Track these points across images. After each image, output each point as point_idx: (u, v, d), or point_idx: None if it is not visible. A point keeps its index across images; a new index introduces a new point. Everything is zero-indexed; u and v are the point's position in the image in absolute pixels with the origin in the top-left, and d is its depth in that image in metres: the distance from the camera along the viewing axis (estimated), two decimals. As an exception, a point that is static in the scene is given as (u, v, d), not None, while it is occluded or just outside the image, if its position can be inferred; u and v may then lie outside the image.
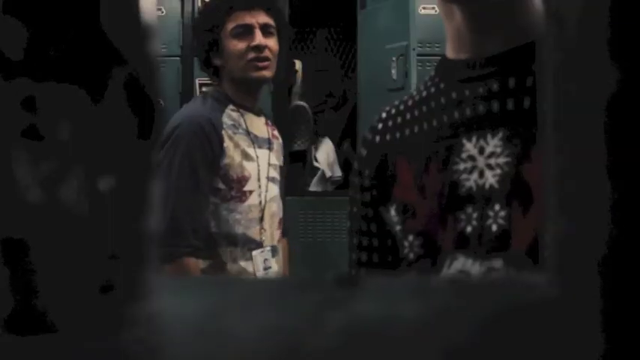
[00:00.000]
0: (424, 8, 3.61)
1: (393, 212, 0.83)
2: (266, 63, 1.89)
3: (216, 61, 1.93)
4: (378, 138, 0.87)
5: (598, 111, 0.22)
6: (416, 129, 0.82)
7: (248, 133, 1.89)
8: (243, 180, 1.84)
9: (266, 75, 1.90)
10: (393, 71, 3.53)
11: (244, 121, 1.89)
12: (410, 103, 0.86)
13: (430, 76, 0.86)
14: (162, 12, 3.83)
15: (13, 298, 0.22)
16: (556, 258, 0.24)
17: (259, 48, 1.87)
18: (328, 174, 4.25)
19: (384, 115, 0.89)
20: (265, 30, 1.90)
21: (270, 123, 2.06)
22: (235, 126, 1.87)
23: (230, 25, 1.89)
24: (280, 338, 0.23)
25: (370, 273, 0.85)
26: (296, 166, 4.10)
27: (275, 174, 1.96)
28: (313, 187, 4.24)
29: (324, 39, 4.96)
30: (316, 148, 4.36)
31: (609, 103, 0.21)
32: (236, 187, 1.83)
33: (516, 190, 0.70)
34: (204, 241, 1.80)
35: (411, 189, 0.80)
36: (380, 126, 0.88)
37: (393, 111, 0.88)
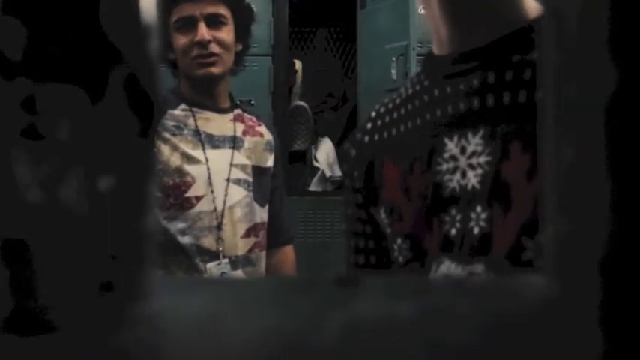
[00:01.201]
0: (424, 8, 3.60)
1: (382, 214, 0.81)
2: (213, 59, 1.69)
3: (171, 56, 1.75)
4: (367, 138, 0.85)
5: (598, 111, 0.22)
6: (402, 128, 0.80)
7: (197, 133, 1.70)
8: (183, 186, 1.65)
9: (213, 71, 1.70)
10: (393, 71, 3.53)
11: (194, 120, 1.71)
12: (398, 101, 0.83)
13: (417, 73, 0.84)
14: (162, 12, 3.83)
15: (13, 298, 0.22)
16: (556, 258, 0.24)
17: (202, 44, 1.67)
18: (328, 174, 4.25)
19: (373, 114, 0.87)
20: (213, 21, 1.68)
21: (251, 119, 1.84)
22: (179, 127, 1.69)
23: (173, 18, 1.69)
24: (280, 338, 0.23)
25: (368, 274, 0.85)
26: (296, 166, 4.10)
27: (243, 175, 1.74)
28: (313, 187, 4.24)
29: (324, 39, 4.96)
30: (316, 148, 4.36)
31: (609, 103, 0.21)
32: (174, 195, 1.64)
33: (496, 190, 0.67)
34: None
35: (397, 190, 0.78)
36: (369, 126, 0.86)
37: (382, 110, 0.86)
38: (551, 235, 0.24)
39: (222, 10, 1.71)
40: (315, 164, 4.29)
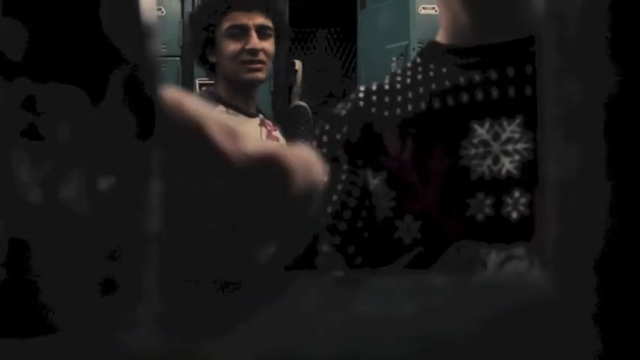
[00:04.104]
0: (424, 8, 3.61)
1: (377, 181, 0.77)
2: (259, 65, 1.88)
3: (212, 59, 1.93)
4: (361, 103, 0.82)
5: (598, 111, 0.22)
6: (410, 107, 0.79)
7: None
8: None
9: (259, 77, 1.90)
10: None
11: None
12: (398, 86, 0.82)
13: (415, 63, 0.83)
14: (162, 12, 3.83)
15: (13, 298, 0.22)
16: (556, 258, 0.24)
17: (254, 51, 1.86)
18: (328, 174, 4.25)
19: (362, 88, 0.85)
20: (262, 32, 1.88)
21: (269, 124, 2.04)
22: None
23: (225, 25, 1.88)
24: (280, 338, 0.23)
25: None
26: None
27: None
28: (313, 187, 4.23)
29: (324, 39, 4.96)
30: (316, 148, 4.36)
31: (609, 103, 0.21)
32: None
33: (537, 176, 0.67)
34: None
35: (410, 169, 0.76)
36: (361, 95, 0.83)
37: (374, 88, 0.84)
38: (550, 235, 0.24)
39: (269, 23, 1.90)
40: (315, 164, 4.29)
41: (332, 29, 4.91)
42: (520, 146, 0.70)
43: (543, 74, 0.25)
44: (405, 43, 3.50)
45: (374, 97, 0.82)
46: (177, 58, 3.83)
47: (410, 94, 0.80)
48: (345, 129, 0.81)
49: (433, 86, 0.78)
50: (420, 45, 3.50)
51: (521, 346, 0.22)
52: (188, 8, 3.83)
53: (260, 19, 1.88)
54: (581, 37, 0.22)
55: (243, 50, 1.86)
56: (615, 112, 0.21)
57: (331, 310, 0.25)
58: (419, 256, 0.74)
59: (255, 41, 1.86)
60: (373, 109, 0.81)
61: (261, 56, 1.87)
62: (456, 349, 0.22)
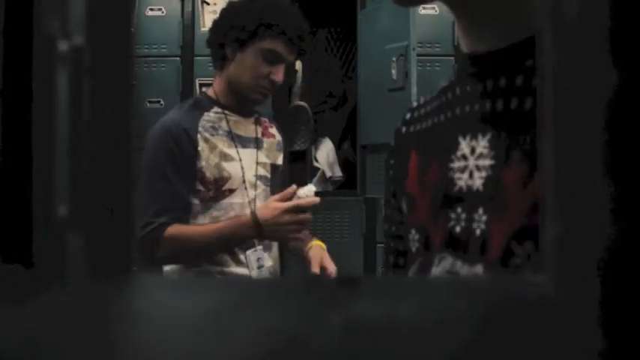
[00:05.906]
0: (424, 8, 3.61)
1: (404, 205, 0.84)
2: (268, 93, 1.94)
3: (229, 54, 1.91)
4: (404, 129, 0.88)
5: (598, 111, 0.22)
6: (429, 122, 0.82)
7: (229, 133, 1.93)
8: (221, 180, 1.88)
9: (261, 101, 1.97)
10: (393, 71, 3.52)
11: (227, 122, 1.93)
12: (435, 94, 0.85)
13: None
14: (163, 12, 3.84)
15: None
16: (556, 258, 0.24)
17: (274, 83, 1.90)
18: (328, 174, 4.25)
19: (414, 104, 0.89)
20: (287, 69, 1.94)
21: (265, 121, 2.07)
22: (214, 128, 1.90)
23: (266, 44, 1.88)
24: (280, 338, 0.23)
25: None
26: (296, 166, 4.10)
27: (264, 172, 1.99)
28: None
29: (324, 39, 4.96)
30: (316, 148, 4.36)
31: (609, 103, 0.21)
32: (214, 188, 1.87)
33: (496, 195, 0.69)
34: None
35: (416, 182, 0.81)
36: (408, 116, 0.88)
37: (422, 101, 0.88)
38: (550, 235, 0.24)
39: (293, 63, 2.00)
40: (315, 164, 4.30)
41: (332, 29, 4.91)
42: (487, 162, 0.70)
43: (543, 74, 0.25)
44: (405, 43, 3.50)
45: (415, 114, 0.87)
46: (177, 58, 3.83)
47: (430, 107, 0.83)
48: (391, 162, 0.89)
49: (443, 98, 0.80)
50: (419, 45, 3.50)
51: (523, 346, 0.22)
52: (188, 8, 3.83)
53: (293, 58, 1.93)
54: (581, 36, 0.22)
55: (266, 77, 1.88)
56: (615, 112, 0.21)
57: (331, 310, 0.25)
58: (420, 264, 0.78)
59: (280, 77, 1.90)
60: (411, 128, 0.87)
61: (274, 88, 1.93)
62: (455, 350, 0.22)
